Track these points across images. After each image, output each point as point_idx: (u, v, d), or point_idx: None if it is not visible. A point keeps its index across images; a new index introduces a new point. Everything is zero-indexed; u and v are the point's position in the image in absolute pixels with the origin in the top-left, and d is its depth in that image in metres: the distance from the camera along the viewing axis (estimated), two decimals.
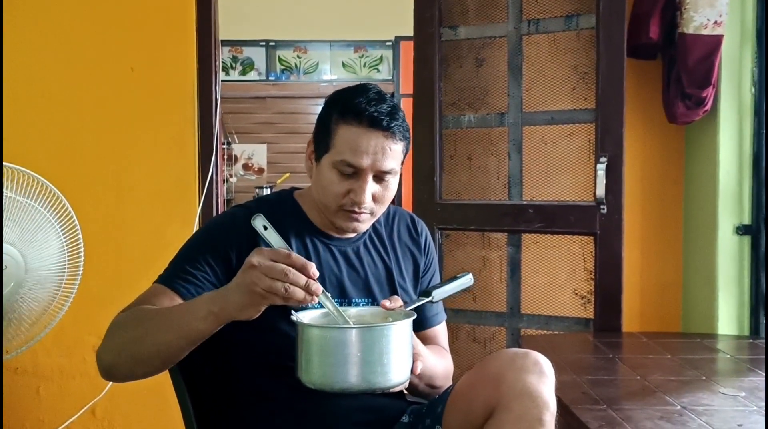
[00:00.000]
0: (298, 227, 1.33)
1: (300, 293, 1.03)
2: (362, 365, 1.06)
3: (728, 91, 2.19)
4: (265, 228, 1.07)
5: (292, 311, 1.15)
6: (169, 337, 1.12)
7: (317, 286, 1.04)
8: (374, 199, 1.27)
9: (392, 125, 1.23)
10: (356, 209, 1.25)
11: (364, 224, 1.30)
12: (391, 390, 1.17)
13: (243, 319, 1.08)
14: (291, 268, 1.02)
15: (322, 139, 1.28)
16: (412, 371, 1.14)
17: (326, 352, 1.07)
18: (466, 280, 1.30)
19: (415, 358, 1.15)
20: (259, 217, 1.09)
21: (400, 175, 1.33)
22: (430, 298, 1.24)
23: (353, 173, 1.24)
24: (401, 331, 1.10)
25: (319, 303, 1.11)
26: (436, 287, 1.27)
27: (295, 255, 1.03)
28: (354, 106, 1.23)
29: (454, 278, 1.29)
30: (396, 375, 1.09)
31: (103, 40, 2.42)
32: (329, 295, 1.13)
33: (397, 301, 1.20)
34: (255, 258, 1.03)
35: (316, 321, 1.17)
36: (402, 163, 1.32)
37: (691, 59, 2.12)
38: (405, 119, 1.28)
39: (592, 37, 2.20)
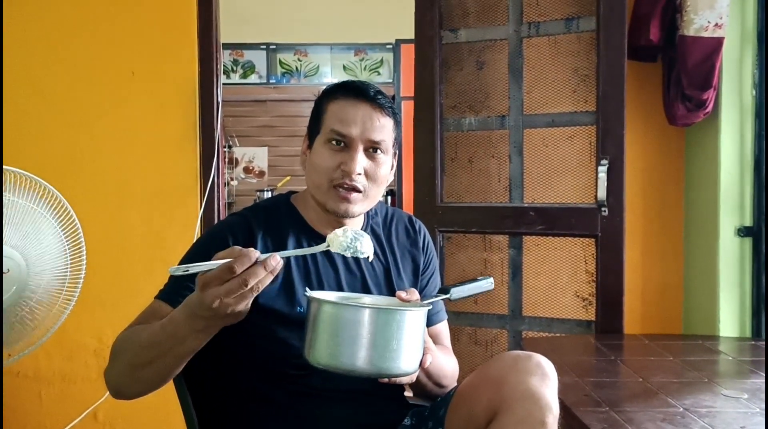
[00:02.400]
0: (296, 232, 1.33)
1: (267, 279, 1.01)
2: (371, 348, 1.03)
3: (729, 93, 2.20)
4: (186, 270, 1.02)
5: (306, 288, 1.15)
6: (164, 362, 1.12)
7: (275, 261, 1.01)
8: (366, 175, 1.27)
9: (379, 97, 1.28)
10: (347, 181, 1.25)
11: (357, 206, 1.28)
12: (398, 380, 1.15)
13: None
14: (244, 274, 0.98)
15: (313, 126, 1.32)
16: (422, 364, 1.12)
17: (336, 330, 1.04)
18: (486, 284, 1.28)
19: (425, 351, 1.14)
20: (174, 269, 1.03)
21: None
22: (447, 295, 1.23)
23: (344, 146, 1.27)
24: (414, 319, 1.08)
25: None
26: (455, 285, 1.26)
27: (235, 261, 0.98)
28: (341, 85, 1.31)
29: (474, 280, 1.28)
30: (405, 363, 1.07)
31: (104, 43, 2.42)
32: (286, 252, 1.08)
33: (413, 294, 1.20)
34: (208, 295, 0.99)
35: (330, 299, 1.14)
36: (394, 146, 1.33)
37: (692, 61, 2.12)
38: (393, 103, 1.32)
39: (593, 40, 2.20)
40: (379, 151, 1.29)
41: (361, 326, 1.04)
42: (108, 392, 1.22)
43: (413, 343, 1.08)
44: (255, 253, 1.00)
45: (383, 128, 1.28)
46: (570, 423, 1.33)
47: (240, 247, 1.01)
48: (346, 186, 1.26)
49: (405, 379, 1.18)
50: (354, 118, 1.26)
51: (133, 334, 1.18)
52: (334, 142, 1.27)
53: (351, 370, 1.05)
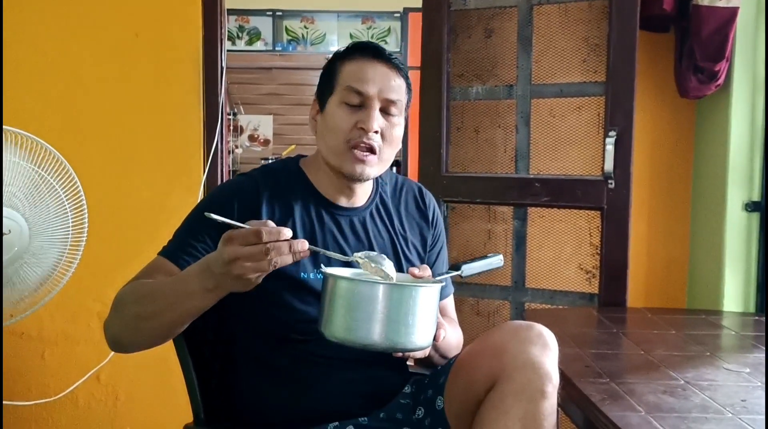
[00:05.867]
0: (304, 197, 1.32)
1: (288, 259, 1.02)
2: (387, 323, 1.05)
3: (742, 65, 2.16)
4: (221, 219, 1.05)
5: (322, 265, 1.15)
6: (170, 316, 1.13)
7: (302, 245, 1.03)
8: (381, 135, 1.26)
9: (394, 59, 1.29)
10: (365, 139, 1.24)
11: (372, 168, 1.27)
12: (411, 354, 1.17)
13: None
14: (269, 244, 0.99)
15: (326, 85, 1.31)
16: (436, 339, 1.14)
17: (353, 305, 1.06)
18: (497, 261, 1.29)
19: (439, 326, 1.15)
20: (210, 216, 1.05)
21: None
22: (459, 272, 1.24)
23: (360, 104, 1.26)
24: (429, 295, 1.10)
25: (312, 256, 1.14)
26: (465, 262, 1.26)
27: (264, 229, 1.00)
28: (356, 45, 1.31)
29: (484, 257, 1.28)
30: (419, 338, 1.09)
31: (108, 4, 2.39)
32: (314, 247, 1.11)
33: (426, 270, 1.20)
34: (228, 251, 1.00)
35: (346, 275, 1.16)
36: (406, 110, 1.32)
37: (705, 32, 2.08)
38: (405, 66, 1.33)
39: (604, 8, 2.16)
40: (394, 110, 1.28)
41: (377, 302, 1.05)
42: (111, 352, 1.23)
43: (427, 318, 1.09)
44: (287, 232, 1.01)
45: (399, 89, 1.28)
46: (570, 393, 1.33)
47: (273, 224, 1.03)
48: (362, 145, 1.25)
49: (418, 354, 1.18)
50: (372, 76, 1.26)
51: (140, 286, 1.18)
52: (350, 100, 1.26)
53: (366, 345, 1.06)
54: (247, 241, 1.00)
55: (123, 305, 1.18)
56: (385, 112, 1.27)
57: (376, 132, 1.25)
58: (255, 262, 1.00)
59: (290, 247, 1.01)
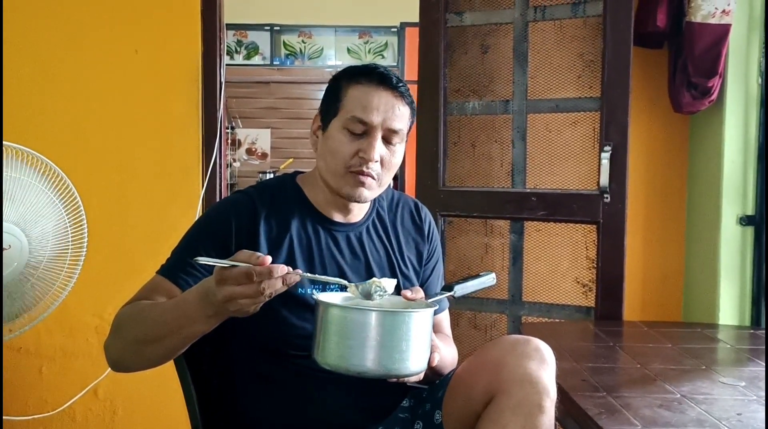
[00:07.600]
0: (301, 212, 1.33)
1: (282, 289, 1.04)
2: (380, 350, 1.04)
3: (735, 81, 2.18)
4: (213, 263, 1.03)
5: (314, 291, 1.15)
6: (172, 340, 1.14)
7: (294, 278, 1.04)
8: (381, 162, 1.27)
9: (400, 86, 1.28)
10: (364, 169, 1.25)
11: (371, 192, 1.29)
12: (406, 380, 1.17)
13: None
14: (261, 283, 1.00)
15: (330, 106, 1.29)
16: (429, 362, 1.13)
17: (345, 333, 1.05)
18: (489, 280, 1.29)
19: (433, 349, 1.15)
20: (200, 259, 1.05)
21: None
22: (452, 293, 1.23)
23: (363, 133, 1.25)
24: (422, 320, 1.09)
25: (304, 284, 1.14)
26: (458, 282, 1.26)
27: (255, 270, 1.00)
28: (363, 68, 1.29)
29: (476, 276, 1.29)
30: (413, 364, 1.08)
31: (108, 21, 2.41)
32: (308, 274, 1.13)
33: (418, 293, 1.19)
34: (222, 291, 1.02)
35: (338, 301, 1.16)
36: (407, 134, 1.32)
37: (698, 48, 2.10)
38: (410, 91, 1.31)
39: (599, 25, 2.19)
40: (395, 139, 1.28)
41: (370, 329, 1.05)
42: (108, 367, 1.23)
43: (421, 343, 1.09)
44: (279, 270, 1.01)
45: (402, 117, 1.28)
46: (567, 407, 1.34)
47: (263, 256, 1.01)
48: (362, 173, 1.25)
49: (413, 379, 1.18)
50: (377, 105, 1.25)
51: (140, 310, 1.18)
52: (353, 129, 1.25)
53: (360, 372, 1.06)
54: (239, 281, 1.01)
55: (123, 328, 1.18)
56: (386, 140, 1.27)
57: (376, 161, 1.26)
58: (250, 299, 1.02)
59: (283, 280, 1.03)
